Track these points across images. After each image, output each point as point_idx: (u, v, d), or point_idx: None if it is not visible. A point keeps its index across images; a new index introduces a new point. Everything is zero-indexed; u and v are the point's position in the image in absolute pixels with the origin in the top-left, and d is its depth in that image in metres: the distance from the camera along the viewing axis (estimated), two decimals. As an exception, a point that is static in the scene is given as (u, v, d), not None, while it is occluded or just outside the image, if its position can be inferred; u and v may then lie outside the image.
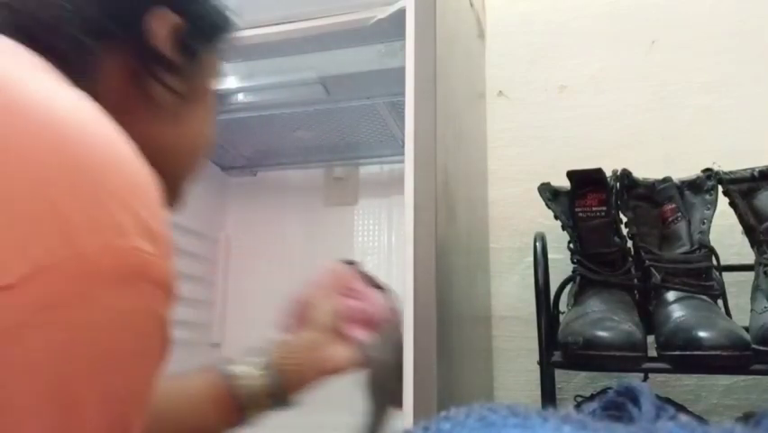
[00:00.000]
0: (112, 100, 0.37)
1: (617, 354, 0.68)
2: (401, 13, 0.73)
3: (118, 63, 0.43)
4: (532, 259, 0.87)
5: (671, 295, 0.77)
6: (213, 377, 0.61)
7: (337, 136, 1.22)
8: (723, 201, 0.82)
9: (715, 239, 0.81)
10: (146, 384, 0.33)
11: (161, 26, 0.44)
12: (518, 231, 1.09)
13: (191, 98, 0.48)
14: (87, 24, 0.41)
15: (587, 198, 0.82)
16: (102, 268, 0.29)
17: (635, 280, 0.81)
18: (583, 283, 0.82)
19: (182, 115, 0.48)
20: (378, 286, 0.71)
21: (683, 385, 0.94)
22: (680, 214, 0.82)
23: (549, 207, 0.89)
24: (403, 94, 0.70)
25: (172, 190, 0.49)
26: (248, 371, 0.61)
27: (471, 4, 1.02)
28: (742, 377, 0.90)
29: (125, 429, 0.31)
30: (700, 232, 0.80)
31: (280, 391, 0.61)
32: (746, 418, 0.70)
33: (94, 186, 0.29)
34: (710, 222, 0.81)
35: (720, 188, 0.82)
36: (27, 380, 0.27)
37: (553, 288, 0.86)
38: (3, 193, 0.27)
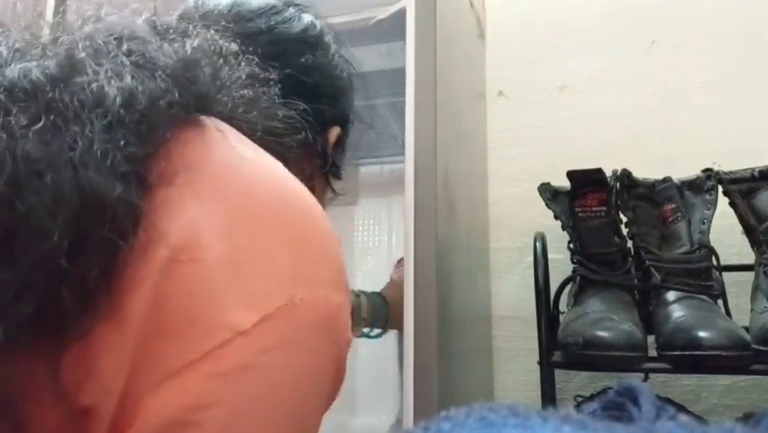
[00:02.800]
0: None
1: (617, 354, 0.68)
2: (401, 14, 0.73)
3: (302, 158, 0.53)
4: (532, 259, 0.87)
5: (671, 295, 0.77)
6: None
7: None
8: (723, 201, 0.82)
9: (715, 239, 0.81)
10: (317, 425, 0.37)
11: (332, 136, 0.59)
12: (518, 231, 1.08)
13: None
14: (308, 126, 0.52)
15: (587, 198, 0.82)
16: (304, 314, 0.33)
17: (635, 281, 0.81)
18: (583, 283, 0.82)
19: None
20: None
21: (683, 385, 0.94)
22: (680, 214, 0.82)
23: (549, 207, 0.89)
24: (403, 94, 0.70)
25: None
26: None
27: (471, 4, 1.02)
28: (742, 377, 0.90)
29: None
30: (700, 232, 0.80)
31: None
32: (746, 418, 0.70)
33: (300, 243, 0.35)
34: (710, 222, 0.81)
35: (720, 188, 0.82)
36: (243, 417, 0.31)
37: (553, 288, 0.86)
38: (237, 259, 0.32)
